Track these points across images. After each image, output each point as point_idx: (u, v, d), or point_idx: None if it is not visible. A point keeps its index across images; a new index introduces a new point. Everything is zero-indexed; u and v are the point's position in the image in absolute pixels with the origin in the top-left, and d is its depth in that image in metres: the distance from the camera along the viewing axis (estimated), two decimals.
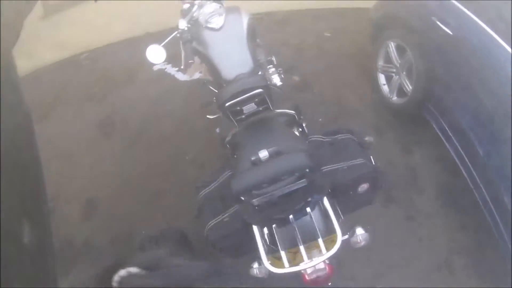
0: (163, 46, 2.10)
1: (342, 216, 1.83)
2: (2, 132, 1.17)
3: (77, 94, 3.56)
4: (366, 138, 3.09)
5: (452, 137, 2.45)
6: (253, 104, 1.71)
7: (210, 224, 1.70)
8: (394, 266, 2.38)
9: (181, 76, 2.30)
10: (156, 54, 2.11)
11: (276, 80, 2.58)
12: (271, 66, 2.66)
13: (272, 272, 1.50)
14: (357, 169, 1.71)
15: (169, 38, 2.14)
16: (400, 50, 2.78)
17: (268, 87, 1.65)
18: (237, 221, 1.64)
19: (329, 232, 1.56)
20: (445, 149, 2.55)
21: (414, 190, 2.70)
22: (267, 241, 1.64)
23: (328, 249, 1.51)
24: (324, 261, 1.61)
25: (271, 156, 1.50)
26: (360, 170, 1.71)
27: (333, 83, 3.40)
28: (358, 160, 1.74)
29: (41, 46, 3.80)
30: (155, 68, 2.22)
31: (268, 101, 1.71)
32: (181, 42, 2.16)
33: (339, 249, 1.66)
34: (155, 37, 2.06)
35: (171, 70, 2.24)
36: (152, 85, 3.40)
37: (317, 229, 1.46)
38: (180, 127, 3.17)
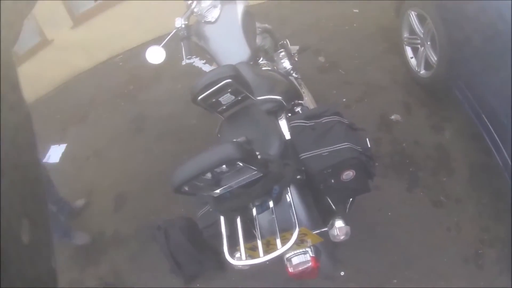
0: (163, 46, 2.17)
1: (334, 207, 1.71)
2: (2, 132, 1.24)
3: (113, 94, 3.80)
4: (393, 117, 2.87)
5: (482, 113, 2.14)
6: (228, 94, 1.66)
7: (199, 213, 1.72)
8: (414, 258, 2.17)
9: (207, 68, 2.37)
10: (155, 55, 2.18)
11: (286, 64, 2.50)
12: (282, 50, 2.58)
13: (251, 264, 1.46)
14: (339, 155, 1.56)
15: (168, 38, 2.21)
16: (421, 19, 2.52)
17: (237, 76, 1.58)
18: None
19: (303, 225, 1.47)
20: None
21: (443, 173, 2.43)
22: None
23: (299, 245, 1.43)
24: (309, 254, 1.53)
25: None
26: (342, 155, 1.56)
27: (361, 61, 3.20)
28: (342, 144, 1.59)
29: (78, 53, 4.09)
30: (184, 62, 2.29)
31: (243, 89, 1.64)
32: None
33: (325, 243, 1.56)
34: None
35: (198, 63, 2.30)
36: (180, 79, 3.55)
37: (276, 225, 1.37)
38: (204, 119, 3.21)
